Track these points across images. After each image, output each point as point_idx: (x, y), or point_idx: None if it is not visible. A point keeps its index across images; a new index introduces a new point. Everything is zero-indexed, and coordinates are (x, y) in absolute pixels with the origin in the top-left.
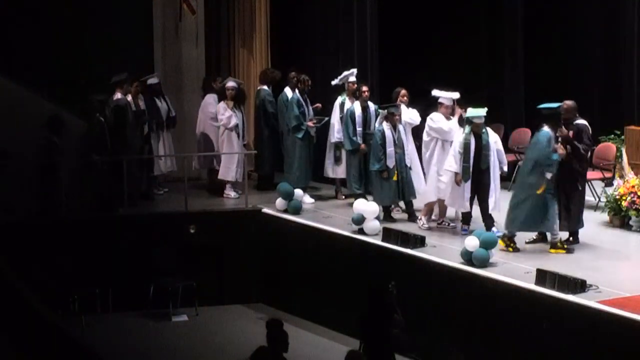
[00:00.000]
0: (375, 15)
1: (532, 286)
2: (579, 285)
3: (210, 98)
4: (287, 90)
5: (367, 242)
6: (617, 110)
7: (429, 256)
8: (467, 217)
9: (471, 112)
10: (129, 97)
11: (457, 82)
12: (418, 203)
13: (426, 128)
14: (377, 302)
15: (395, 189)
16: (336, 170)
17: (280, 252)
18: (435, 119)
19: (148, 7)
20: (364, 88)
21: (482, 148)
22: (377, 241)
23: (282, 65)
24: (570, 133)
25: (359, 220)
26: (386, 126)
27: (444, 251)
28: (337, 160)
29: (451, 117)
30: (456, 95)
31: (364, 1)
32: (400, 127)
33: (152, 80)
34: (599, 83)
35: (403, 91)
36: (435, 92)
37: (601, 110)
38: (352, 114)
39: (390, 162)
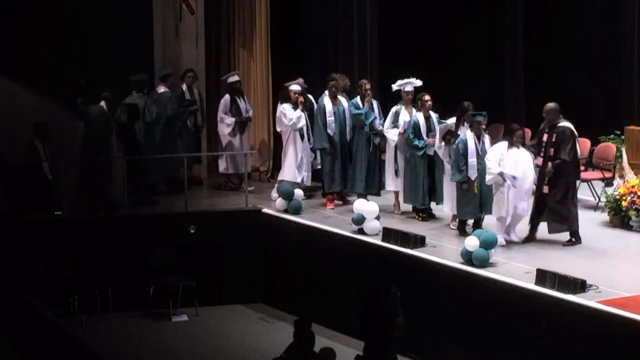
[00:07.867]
0: (375, 15)
1: (532, 286)
2: (579, 285)
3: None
4: (326, 99)
5: (367, 242)
6: (617, 110)
7: (429, 256)
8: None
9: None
10: (184, 87)
11: (457, 82)
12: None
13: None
14: (376, 302)
15: (477, 202)
16: (396, 183)
17: (280, 252)
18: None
19: (148, 7)
20: (427, 97)
21: None
22: (377, 241)
23: (282, 65)
24: (554, 137)
25: (359, 220)
26: (470, 135)
27: (444, 251)
28: (397, 172)
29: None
30: None
31: (364, 1)
32: (486, 138)
33: (233, 78)
34: (599, 83)
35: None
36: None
37: (601, 110)
38: (416, 125)
39: (472, 174)
